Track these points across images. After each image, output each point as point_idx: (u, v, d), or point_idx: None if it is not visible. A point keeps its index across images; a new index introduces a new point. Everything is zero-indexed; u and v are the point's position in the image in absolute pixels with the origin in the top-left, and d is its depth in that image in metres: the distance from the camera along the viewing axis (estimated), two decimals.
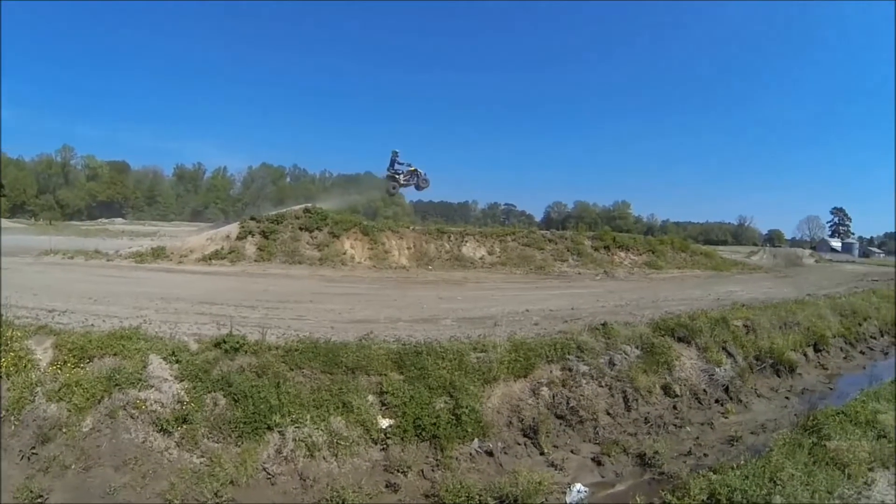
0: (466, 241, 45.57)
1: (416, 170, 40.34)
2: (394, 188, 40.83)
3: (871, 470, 11.11)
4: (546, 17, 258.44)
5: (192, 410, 11.52)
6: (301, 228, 41.16)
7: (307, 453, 11.57)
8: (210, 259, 37.15)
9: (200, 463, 10.78)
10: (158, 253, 37.74)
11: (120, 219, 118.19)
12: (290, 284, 29.49)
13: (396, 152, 40.01)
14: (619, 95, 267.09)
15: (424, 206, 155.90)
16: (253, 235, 39.81)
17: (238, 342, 13.50)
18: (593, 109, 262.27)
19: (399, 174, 39.60)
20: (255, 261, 37.43)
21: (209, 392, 11.97)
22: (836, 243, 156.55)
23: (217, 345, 13.41)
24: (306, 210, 43.59)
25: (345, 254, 40.18)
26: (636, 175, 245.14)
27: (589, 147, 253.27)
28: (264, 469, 11.12)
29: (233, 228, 41.36)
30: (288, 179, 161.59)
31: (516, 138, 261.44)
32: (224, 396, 11.95)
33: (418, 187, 41.73)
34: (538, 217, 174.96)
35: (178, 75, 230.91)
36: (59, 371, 11.94)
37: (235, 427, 11.46)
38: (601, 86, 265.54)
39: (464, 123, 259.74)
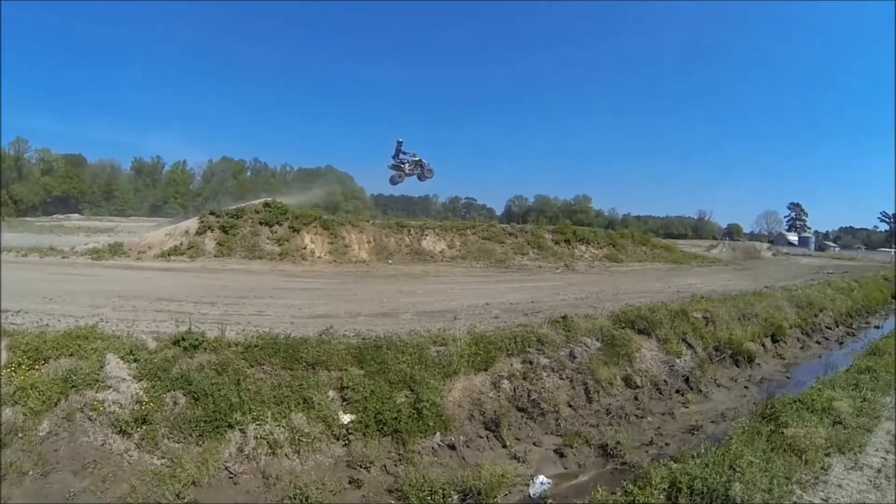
0: (426, 235, 45.74)
1: (420, 160, 40.33)
2: (399, 177, 40.84)
3: (827, 455, 11.35)
4: (507, 11, 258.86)
5: (152, 410, 11.29)
6: (261, 223, 40.91)
7: (269, 451, 11.42)
8: (169, 255, 36.73)
9: (161, 464, 10.57)
10: (116, 249, 37.23)
11: (76, 214, 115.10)
12: (250, 280, 29.35)
13: (401, 142, 40.00)
14: (581, 90, 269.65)
15: (385, 200, 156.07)
16: (212, 230, 39.47)
17: (197, 339, 13.29)
18: (555, 104, 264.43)
19: (404, 164, 39.66)
20: (215, 256, 37.17)
21: (168, 391, 11.75)
22: (792, 237, 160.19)
23: (176, 342, 13.19)
24: (266, 204, 43.30)
25: (305, 248, 40.07)
26: (598, 169, 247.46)
27: (551, 141, 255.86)
28: (226, 468, 10.94)
29: (192, 223, 40.94)
30: (248, 173, 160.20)
31: (477, 132, 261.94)
32: (184, 395, 11.74)
33: (422, 178, 41.73)
34: (499, 211, 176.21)
35: (137, 66, 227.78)
36: (14, 374, 11.63)
37: (196, 426, 11.27)
38: (563, 81, 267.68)
39: (424, 117, 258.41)
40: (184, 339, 13.21)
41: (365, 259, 41.43)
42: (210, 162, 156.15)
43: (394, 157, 39.59)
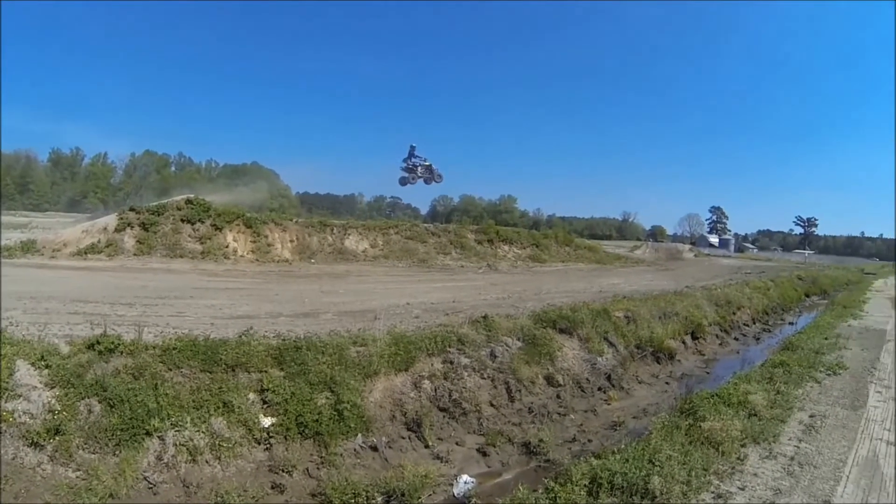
0: (349, 234, 45.82)
1: (430, 165, 41.41)
2: (412, 179, 41.47)
3: (743, 446, 11.77)
4: (435, 9, 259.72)
5: (65, 420, 10.72)
6: (183, 220, 40.12)
7: (189, 458, 11.09)
8: (85, 253, 35.59)
9: (77, 477, 10.07)
10: (28, 247, 35.72)
11: None
12: (171, 279, 28.73)
13: (414, 146, 41.03)
14: (507, 90, 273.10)
15: (311, 198, 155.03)
16: (132, 227, 38.50)
17: (113, 343, 12.78)
18: (482, 103, 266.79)
19: (417, 167, 40.35)
20: (135, 255, 36.29)
21: (83, 398, 11.20)
22: (713, 239, 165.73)
23: (90, 346, 12.64)
24: (188, 201, 42.49)
25: (227, 247, 39.54)
26: (523, 170, 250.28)
27: (476, 141, 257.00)
28: (145, 478, 10.55)
29: (110, 220, 39.76)
30: (173, 168, 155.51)
31: (402, 130, 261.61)
32: (99, 402, 11.23)
33: (429, 181, 42.50)
34: (424, 210, 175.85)
35: (53, 47, 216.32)
36: None
37: (112, 435, 10.77)
38: (489, 80, 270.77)
39: (350, 113, 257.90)
40: (99, 343, 12.68)
41: (288, 258, 41.14)
42: (132, 155, 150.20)
43: (406, 160, 40.61)
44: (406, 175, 41.27)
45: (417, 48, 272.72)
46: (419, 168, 40.95)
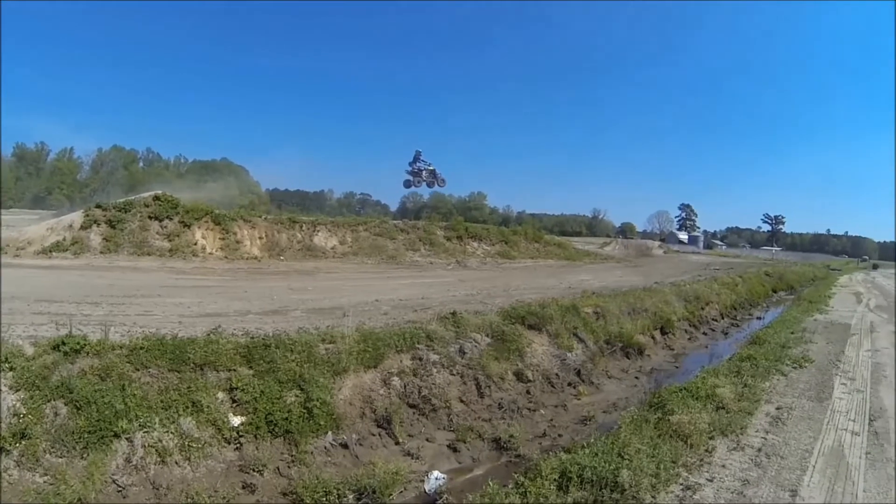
0: (318, 231, 45.75)
1: (434, 170, 42.52)
2: (417, 183, 42.38)
3: (711, 439, 12.00)
4: (403, 9, 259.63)
5: (31, 423, 10.46)
6: (150, 217, 39.77)
7: (158, 459, 10.94)
8: (50, 251, 35.17)
9: (44, 482, 9.86)
10: None
11: None
12: (138, 278, 28.43)
13: (419, 152, 42.15)
14: (476, 87, 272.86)
15: (281, 195, 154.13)
16: (98, 225, 38.07)
17: (79, 343, 12.56)
18: (451, 100, 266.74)
19: (422, 171, 41.27)
20: (101, 252, 35.93)
21: (49, 401, 10.97)
22: (683, 236, 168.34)
23: (56, 347, 12.40)
24: (156, 198, 42.01)
25: (196, 244, 39.25)
26: (493, 167, 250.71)
27: (446, 137, 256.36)
28: (114, 481, 10.37)
29: (76, 217, 39.18)
30: (141, 164, 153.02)
31: (373, 127, 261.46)
32: (65, 404, 11.01)
33: (431, 185, 43.50)
34: (394, 207, 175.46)
35: (15, 38, 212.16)
36: None
37: (80, 438, 10.54)
38: (458, 77, 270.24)
39: (322, 109, 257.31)
40: (64, 344, 12.45)
41: (257, 255, 41.01)
42: (99, 151, 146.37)
43: (411, 164, 41.48)
44: (411, 178, 42.37)
45: (385, 47, 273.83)
46: (423, 172, 42.21)
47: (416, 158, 42.77)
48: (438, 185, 44.66)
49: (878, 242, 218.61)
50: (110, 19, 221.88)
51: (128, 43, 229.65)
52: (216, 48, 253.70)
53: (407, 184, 44.34)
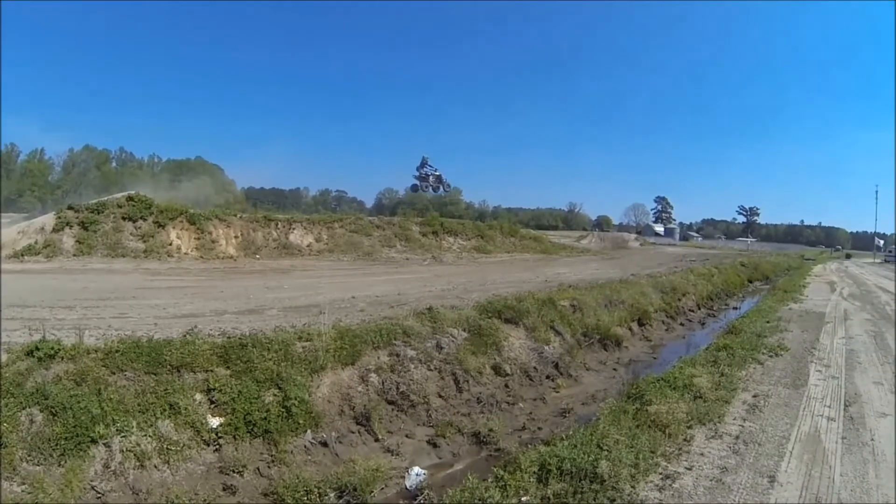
0: (294, 229, 45.79)
1: (440, 175, 43.78)
2: (424, 188, 43.37)
3: (689, 428, 12.05)
4: (380, 6, 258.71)
5: (7, 432, 10.27)
6: (124, 218, 39.48)
7: (137, 464, 10.82)
8: (22, 255, 34.78)
9: (22, 491, 9.68)
10: None
11: None
12: (113, 280, 28.18)
13: (426, 158, 43.09)
14: (449, 83, 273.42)
15: (256, 193, 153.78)
16: (71, 227, 37.72)
17: (53, 348, 12.39)
18: (426, 95, 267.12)
19: (429, 176, 42.25)
20: (74, 255, 35.61)
21: (24, 408, 10.80)
22: (659, 228, 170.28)
23: (29, 353, 12.25)
24: (130, 198, 41.67)
25: (171, 244, 39.05)
26: (468, 162, 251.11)
27: (421, 132, 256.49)
28: (93, 488, 10.22)
29: (48, 220, 38.87)
30: (114, 164, 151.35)
31: (349, 123, 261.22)
32: (41, 411, 10.84)
33: (436, 189, 44.62)
34: (370, 203, 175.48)
35: None
36: None
37: (57, 444, 10.38)
38: (434, 72, 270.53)
39: (297, 106, 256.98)
40: (38, 349, 12.29)
41: (232, 254, 40.88)
42: (71, 151, 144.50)
43: (418, 169, 42.41)
44: (418, 183, 43.31)
45: (360, 42, 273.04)
46: (430, 178, 43.17)
47: (424, 164, 44.24)
48: (444, 189, 45.79)
49: (851, 233, 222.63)
50: (78, 14, 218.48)
51: (97, 39, 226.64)
52: (189, 45, 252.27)
53: (414, 188, 45.50)
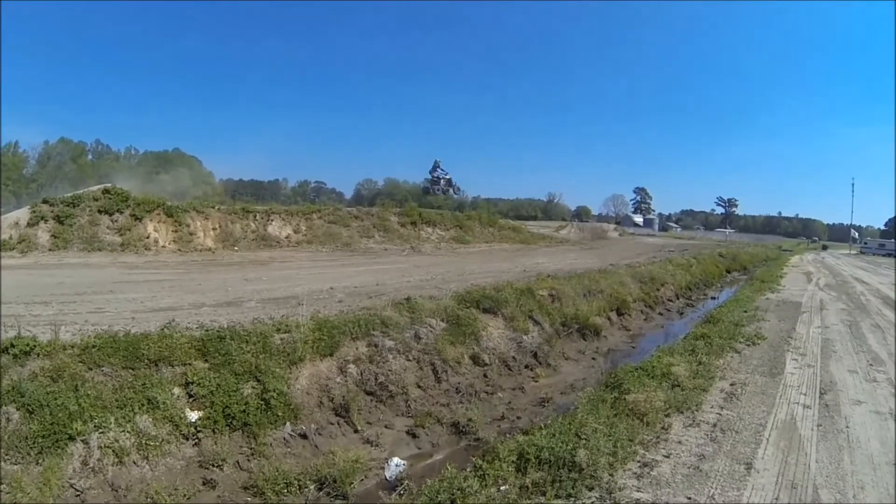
0: (272, 220, 45.70)
1: (450, 178, 45.17)
2: (435, 190, 44.61)
3: (667, 416, 12.20)
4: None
5: None
6: (100, 211, 39.08)
7: (116, 460, 10.70)
8: None
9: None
10: None
11: None
12: (89, 274, 27.85)
13: (438, 161, 44.11)
14: (429, 72, 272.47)
15: (235, 185, 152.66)
16: (46, 221, 37.27)
17: (28, 345, 12.26)
18: (404, 85, 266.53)
19: (440, 179, 43.35)
20: (50, 250, 35.24)
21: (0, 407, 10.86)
22: (638, 219, 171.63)
23: (4, 350, 12.07)
24: (106, 191, 41.30)
25: (148, 237, 38.77)
26: (447, 152, 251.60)
27: (400, 122, 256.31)
28: (71, 486, 10.10)
29: (22, 214, 38.37)
30: (90, 156, 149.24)
31: (329, 114, 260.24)
32: (17, 409, 10.67)
33: (445, 192, 45.74)
34: (349, 194, 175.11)
35: None
36: None
37: (34, 443, 10.22)
38: (412, 61, 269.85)
39: (276, 97, 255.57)
40: (13, 346, 12.14)
41: (211, 247, 40.72)
42: (46, 144, 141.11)
43: (431, 172, 43.57)
44: (429, 186, 44.51)
45: (338, 33, 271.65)
46: (442, 181, 44.35)
47: (436, 167, 45.43)
48: (454, 192, 46.94)
49: (828, 224, 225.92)
50: (51, 7, 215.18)
51: (71, 32, 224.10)
52: (166, 36, 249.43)
53: (426, 190, 46.57)
